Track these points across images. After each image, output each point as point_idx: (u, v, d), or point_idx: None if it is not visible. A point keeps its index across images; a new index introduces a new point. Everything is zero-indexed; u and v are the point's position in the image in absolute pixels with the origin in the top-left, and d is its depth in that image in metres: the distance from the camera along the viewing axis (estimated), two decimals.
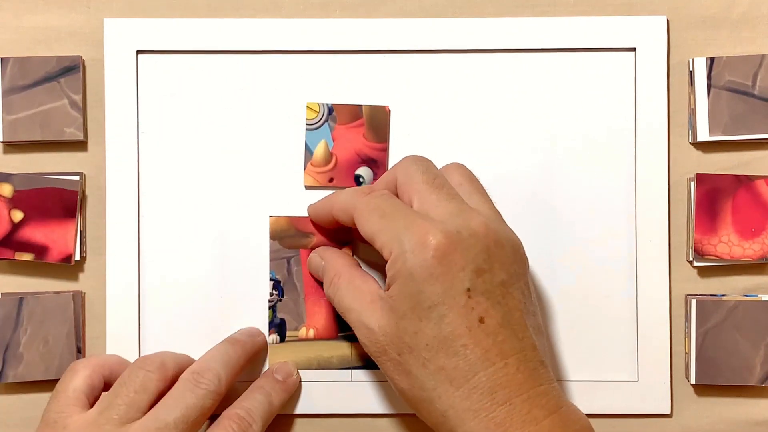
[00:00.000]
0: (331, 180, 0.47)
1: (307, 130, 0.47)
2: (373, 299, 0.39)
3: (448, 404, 0.37)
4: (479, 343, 0.36)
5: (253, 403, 0.44)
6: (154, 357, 0.43)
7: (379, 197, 0.40)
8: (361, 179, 0.47)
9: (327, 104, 0.47)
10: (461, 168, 0.43)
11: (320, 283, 0.46)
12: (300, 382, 0.47)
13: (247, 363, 0.45)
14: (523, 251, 0.40)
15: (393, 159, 0.47)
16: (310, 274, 0.46)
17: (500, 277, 0.38)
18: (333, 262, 0.43)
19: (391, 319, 0.38)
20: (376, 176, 0.47)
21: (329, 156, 0.47)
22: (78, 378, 0.43)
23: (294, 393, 0.47)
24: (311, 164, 0.47)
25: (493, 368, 0.36)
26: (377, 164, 0.47)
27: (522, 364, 0.37)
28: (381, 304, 0.39)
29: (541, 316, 0.41)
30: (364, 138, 0.47)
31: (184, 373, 0.43)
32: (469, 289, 0.37)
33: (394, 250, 0.38)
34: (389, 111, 0.47)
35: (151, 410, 0.41)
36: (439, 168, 0.42)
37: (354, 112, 0.47)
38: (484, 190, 0.42)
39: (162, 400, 0.41)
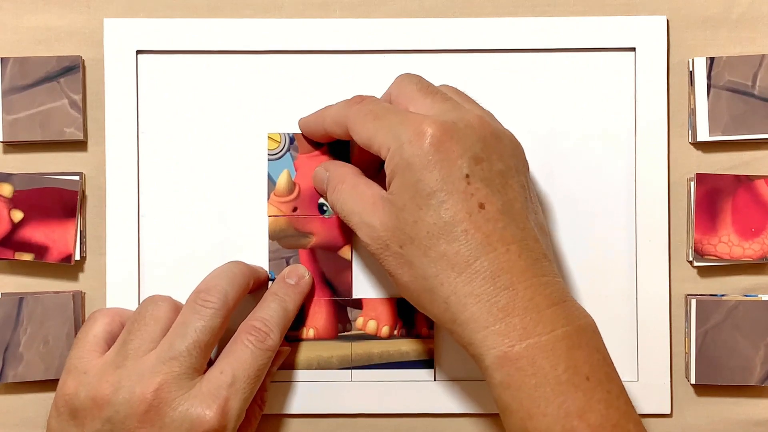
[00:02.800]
0: (294, 209, 0.47)
1: (269, 160, 0.47)
2: (375, 200, 0.39)
3: (450, 290, 0.36)
4: (480, 227, 0.36)
5: (269, 312, 0.43)
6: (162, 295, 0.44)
7: (371, 102, 0.41)
8: (325, 208, 0.47)
9: (288, 134, 0.47)
10: (453, 87, 0.43)
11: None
12: (312, 287, 0.47)
13: (252, 282, 0.45)
14: (522, 151, 0.41)
15: None
16: (314, 188, 0.46)
17: (498, 166, 0.38)
18: (337, 170, 0.43)
19: (392, 213, 0.38)
20: None
21: (292, 185, 0.47)
22: (97, 325, 0.43)
23: (294, 393, 0.47)
24: (274, 194, 0.47)
25: (495, 253, 0.36)
26: None
27: (524, 252, 0.37)
28: (383, 203, 0.39)
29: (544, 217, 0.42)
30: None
31: (190, 295, 0.42)
32: (467, 176, 0.37)
33: (391, 146, 0.38)
34: (351, 138, 0.47)
35: (163, 339, 0.41)
36: None
37: (315, 140, 0.47)
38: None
39: (172, 328, 0.41)
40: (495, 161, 0.38)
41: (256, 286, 0.45)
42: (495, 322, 0.36)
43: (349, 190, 0.41)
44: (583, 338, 0.36)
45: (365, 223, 0.39)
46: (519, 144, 0.40)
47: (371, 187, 0.40)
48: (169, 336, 0.41)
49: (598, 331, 0.37)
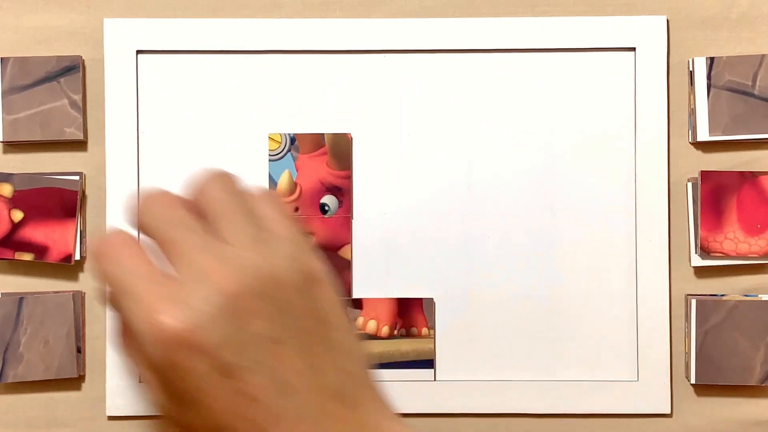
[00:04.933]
0: (296, 209, 0.47)
1: (270, 161, 0.47)
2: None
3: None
4: (255, 424, 0.30)
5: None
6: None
7: (116, 250, 0.32)
8: (326, 208, 0.47)
9: (289, 134, 0.47)
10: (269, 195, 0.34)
11: None
12: None
13: None
14: (297, 278, 0.31)
15: (358, 186, 0.47)
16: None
17: (264, 334, 0.31)
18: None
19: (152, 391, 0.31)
20: (341, 204, 0.47)
21: (293, 186, 0.47)
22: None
23: None
24: None
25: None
26: (342, 192, 0.47)
27: (312, 426, 0.30)
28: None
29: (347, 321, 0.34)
30: (327, 166, 0.47)
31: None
32: (221, 371, 0.30)
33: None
34: (351, 138, 0.47)
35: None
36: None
37: (316, 140, 0.47)
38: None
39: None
40: (257, 331, 0.30)
41: None
42: None
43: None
44: None
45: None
46: (290, 275, 0.31)
47: None
48: None
49: None
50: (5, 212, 0.46)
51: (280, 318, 0.31)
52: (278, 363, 0.30)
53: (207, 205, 0.33)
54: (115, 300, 0.31)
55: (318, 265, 0.32)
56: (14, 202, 0.46)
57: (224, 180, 0.33)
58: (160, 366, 0.29)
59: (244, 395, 0.30)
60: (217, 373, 0.29)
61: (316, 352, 0.32)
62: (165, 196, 0.32)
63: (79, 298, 0.47)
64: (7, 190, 0.47)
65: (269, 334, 0.30)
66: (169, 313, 0.29)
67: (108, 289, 0.31)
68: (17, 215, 0.47)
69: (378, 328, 0.47)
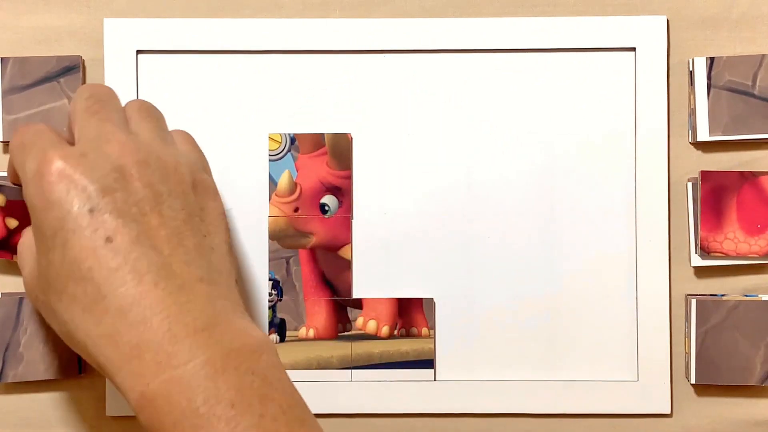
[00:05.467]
0: (296, 210, 0.47)
1: (270, 161, 0.47)
2: (27, 246, 0.38)
3: (85, 333, 0.34)
4: (106, 262, 0.33)
5: None
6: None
7: (30, 128, 0.38)
8: (327, 208, 0.47)
9: (289, 134, 0.47)
10: (141, 103, 0.41)
11: (324, 282, 0.46)
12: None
13: None
14: (184, 172, 0.37)
15: (358, 185, 0.47)
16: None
17: (139, 195, 0.35)
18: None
19: (31, 258, 0.37)
20: (341, 204, 0.47)
21: (293, 186, 0.47)
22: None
23: None
24: (276, 195, 0.47)
25: (125, 287, 0.33)
26: (342, 192, 0.47)
27: (163, 281, 0.33)
28: (29, 249, 0.38)
29: (228, 238, 0.39)
30: (327, 166, 0.47)
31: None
32: (91, 210, 0.34)
33: (21, 179, 0.37)
34: (351, 138, 0.47)
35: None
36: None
37: (316, 140, 0.47)
38: (159, 120, 0.40)
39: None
40: (134, 190, 0.35)
41: None
42: (128, 360, 0.33)
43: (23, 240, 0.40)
44: (231, 362, 0.32)
45: (23, 277, 0.39)
46: (178, 166, 0.37)
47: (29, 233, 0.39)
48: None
49: (263, 350, 0.34)
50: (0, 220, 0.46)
51: (162, 193, 0.36)
52: (144, 221, 0.35)
53: (127, 108, 0.40)
54: (16, 158, 0.37)
55: (211, 181, 0.38)
56: (7, 210, 0.46)
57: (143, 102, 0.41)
58: (39, 201, 0.35)
59: (103, 234, 0.34)
60: (86, 212, 0.34)
61: (187, 238, 0.36)
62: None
63: None
64: None
65: (143, 196, 0.35)
66: (58, 153, 0.35)
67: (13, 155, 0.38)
68: (12, 222, 0.46)
69: (378, 328, 0.47)
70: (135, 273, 0.33)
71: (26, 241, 0.39)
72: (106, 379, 0.47)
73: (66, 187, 0.34)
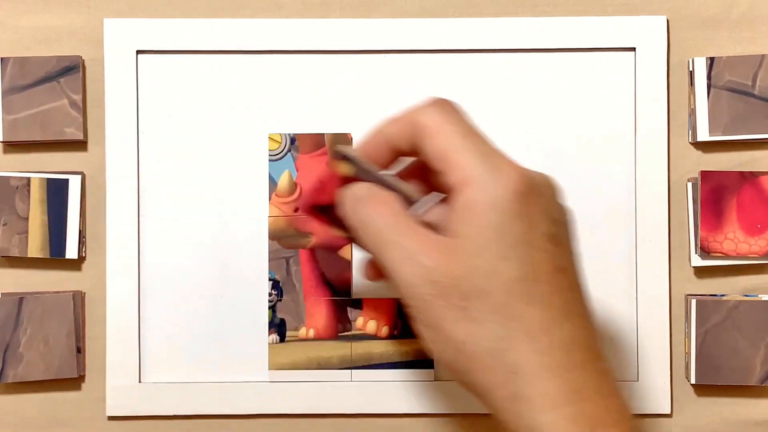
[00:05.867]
0: (296, 210, 0.47)
1: (270, 161, 0.47)
2: (428, 238, 0.33)
3: (522, 358, 0.31)
4: (562, 293, 0.33)
5: None
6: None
7: (459, 113, 0.35)
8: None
9: (289, 134, 0.47)
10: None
11: (327, 283, 0.46)
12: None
13: None
14: None
15: None
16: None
17: (566, 233, 0.34)
18: (379, 192, 0.36)
19: (457, 258, 0.32)
20: None
21: (293, 186, 0.47)
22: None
23: (293, 393, 0.47)
24: (276, 195, 0.47)
25: (571, 325, 0.32)
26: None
27: (589, 329, 0.33)
28: (442, 244, 0.33)
29: None
30: (327, 166, 0.47)
31: None
32: (551, 235, 0.33)
33: (476, 176, 0.33)
34: (351, 138, 0.47)
35: None
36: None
37: (316, 140, 0.47)
38: None
39: None
40: (567, 229, 0.35)
41: None
42: (567, 404, 0.31)
43: (392, 215, 0.34)
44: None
45: (413, 261, 0.33)
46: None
47: (418, 225, 0.34)
48: None
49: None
50: None
51: (572, 233, 0.35)
52: (575, 259, 0.34)
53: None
54: (367, 246, 0.35)
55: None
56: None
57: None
58: (414, 300, 0.33)
59: (556, 262, 0.33)
60: (546, 232, 0.33)
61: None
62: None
63: (79, 298, 0.47)
64: None
65: (569, 237, 0.35)
66: (427, 257, 0.33)
67: (357, 235, 0.35)
68: None
69: (378, 328, 0.47)
70: (577, 313, 0.33)
71: (412, 222, 0.34)
72: (106, 379, 0.47)
73: (532, 205, 0.33)
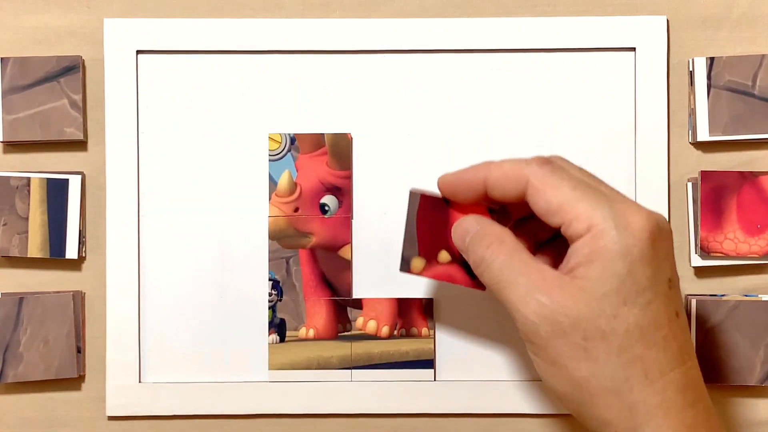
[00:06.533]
0: (296, 210, 0.47)
1: (270, 161, 0.47)
2: (545, 276, 0.35)
3: (640, 398, 0.34)
4: (677, 337, 0.35)
5: None
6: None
7: (567, 168, 0.37)
8: (327, 208, 0.47)
9: (289, 134, 0.47)
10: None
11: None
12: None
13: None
14: None
15: (358, 186, 0.47)
16: (454, 243, 0.40)
17: (678, 279, 0.37)
18: (493, 228, 0.38)
19: (579, 299, 0.34)
20: (341, 204, 0.47)
21: (293, 186, 0.47)
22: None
23: (293, 393, 0.47)
24: (276, 195, 0.47)
25: (685, 367, 0.35)
26: (342, 192, 0.47)
27: (698, 369, 0.36)
28: (561, 282, 0.35)
29: None
30: (327, 166, 0.47)
31: None
32: (670, 279, 0.35)
33: (597, 224, 0.34)
34: (351, 138, 0.47)
35: None
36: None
37: (316, 140, 0.47)
38: None
39: None
40: (677, 273, 0.37)
41: None
42: None
43: (509, 254, 0.36)
44: None
45: (535, 299, 0.35)
46: None
47: (535, 260, 0.36)
48: None
49: None
50: None
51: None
52: (683, 304, 0.37)
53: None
54: (486, 283, 0.37)
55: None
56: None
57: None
58: (533, 336, 0.35)
59: (673, 306, 0.35)
60: (666, 277, 0.35)
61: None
62: None
63: (79, 298, 0.47)
64: None
65: (679, 282, 0.37)
66: (547, 296, 0.35)
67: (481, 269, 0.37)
68: None
69: (378, 328, 0.47)
70: (690, 355, 0.36)
71: (533, 263, 0.36)
72: (106, 379, 0.47)
73: (658, 249, 0.35)
